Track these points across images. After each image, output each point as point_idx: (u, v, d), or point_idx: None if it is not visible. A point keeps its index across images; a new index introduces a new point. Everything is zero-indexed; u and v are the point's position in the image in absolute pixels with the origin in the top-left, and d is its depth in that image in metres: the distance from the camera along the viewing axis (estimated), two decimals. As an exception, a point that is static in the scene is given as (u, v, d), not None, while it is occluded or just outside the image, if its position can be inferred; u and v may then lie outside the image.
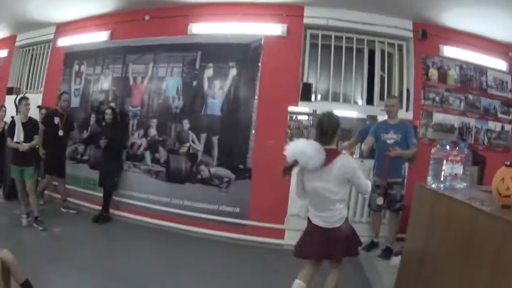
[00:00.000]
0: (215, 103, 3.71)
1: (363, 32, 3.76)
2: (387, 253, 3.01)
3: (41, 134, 3.93)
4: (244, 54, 3.70)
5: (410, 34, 3.82)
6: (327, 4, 3.64)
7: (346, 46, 3.77)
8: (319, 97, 3.80)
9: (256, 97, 3.64)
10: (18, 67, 5.44)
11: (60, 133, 3.98)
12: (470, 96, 3.99)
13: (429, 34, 3.81)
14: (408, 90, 3.79)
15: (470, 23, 3.80)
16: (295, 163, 1.90)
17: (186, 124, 3.79)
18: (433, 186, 2.17)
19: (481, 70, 4.07)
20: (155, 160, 3.92)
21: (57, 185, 4.24)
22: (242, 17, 3.78)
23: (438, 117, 3.85)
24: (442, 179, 2.16)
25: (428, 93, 3.83)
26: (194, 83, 3.80)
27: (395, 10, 3.67)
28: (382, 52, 3.83)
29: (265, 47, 3.68)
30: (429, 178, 2.24)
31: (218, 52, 3.76)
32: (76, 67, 4.54)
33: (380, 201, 2.95)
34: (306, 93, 3.57)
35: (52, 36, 4.88)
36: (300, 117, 3.67)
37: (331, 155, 1.89)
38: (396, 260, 2.71)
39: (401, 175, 3.04)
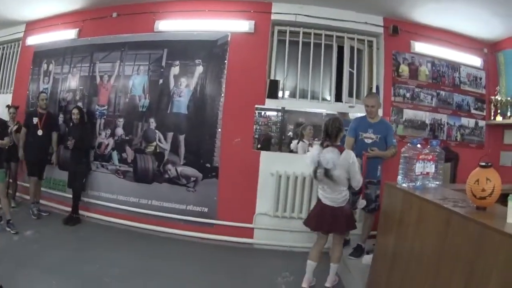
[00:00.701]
0: (181, 101, 3.64)
1: (332, 28, 3.70)
2: (359, 251, 2.99)
3: (22, 136, 3.92)
4: (211, 51, 3.63)
5: (381, 30, 3.78)
6: (296, 0, 3.58)
7: (315, 42, 3.70)
8: (286, 94, 3.74)
9: (222, 95, 3.57)
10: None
11: (39, 132, 3.90)
12: (442, 93, 3.96)
13: (400, 30, 3.76)
14: (377, 87, 3.73)
15: (444, 19, 3.75)
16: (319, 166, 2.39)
17: (152, 123, 3.72)
18: (404, 185, 2.13)
19: (454, 66, 4.04)
20: (122, 160, 3.84)
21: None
22: (209, 13, 3.71)
23: (409, 113, 3.80)
24: (413, 178, 2.11)
25: (399, 90, 3.78)
26: (160, 81, 3.73)
27: (366, 6, 3.62)
28: (352, 48, 3.77)
29: (232, 44, 3.62)
30: (400, 178, 2.19)
31: (184, 50, 3.68)
32: (44, 66, 4.44)
33: (362, 203, 2.83)
34: (273, 90, 3.50)
35: (21, 35, 4.76)
36: (268, 113, 3.61)
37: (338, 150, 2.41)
38: (368, 258, 2.69)
39: (376, 176, 2.99)
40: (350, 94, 3.63)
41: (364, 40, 3.82)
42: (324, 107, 3.63)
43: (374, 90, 3.73)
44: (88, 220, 3.97)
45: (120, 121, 3.85)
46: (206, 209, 3.60)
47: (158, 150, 3.70)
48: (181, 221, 3.64)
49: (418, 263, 1.77)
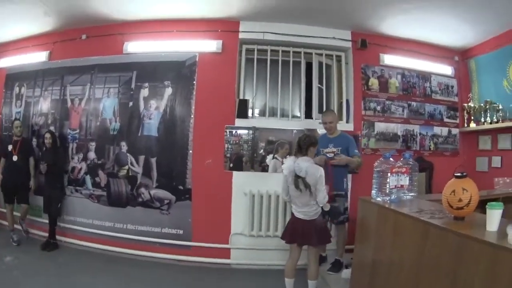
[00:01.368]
0: (151, 124, 3.62)
1: (300, 44, 3.71)
2: (337, 266, 3.02)
3: (2, 164, 3.92)
4: (179, 72, 3.62)
5: (349, 44, 3.80)
6: (263, 18, 3.58)
7: (283, 59, 3.72)
8: (256, 112, 3.74)
9: (192, 116, 3.56)
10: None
11: (14, 158, 3.88)
12: (414, 103, 3.99)
13: (369, 43, 3.79)
14: (347, 101, 3.75)
15: (413, 30, 3.77)
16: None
17: (124, 146, 3.69)
18: (379, 199, 2.13)
19: (425, 76, 4.08)
20: (95, 184, 3.81)
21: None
22: (177, 34, 3.69)
23: (380, 126, 3.83)
24: (387, 191, 2.12)
25: (369, 103, 3.81)
26: (130, 103, 3.71)
27: (333, 21, 3.64)
28: (320, 64, 3.79)
29: (200, 64, 3.61)
30: (374, 192, 2.20)
31: (153, 71, 3.67)
32: (16, 89, 4.40)
33: (327, 206, 2.78)
34: (242, 110, 3.49)
35: (-7, 58, 4.72)
36: (239, 132, 3.60)
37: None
38: (347, 272, 2.71)
39: (343, 188, 3.01)
40: (320, 110, 3.63)
41: (332, 55, 3.84)
42: (294, 125, 3.63)
43: (344, 105, 3.75)
44: (66, 245, 3.92)
45: (92, 145, 3.82)
46: (181, 231, 3.58)
47: (130, 174, 3.68)
48: (156, 243, 3.62)
49: (398, 275, 1.77)
